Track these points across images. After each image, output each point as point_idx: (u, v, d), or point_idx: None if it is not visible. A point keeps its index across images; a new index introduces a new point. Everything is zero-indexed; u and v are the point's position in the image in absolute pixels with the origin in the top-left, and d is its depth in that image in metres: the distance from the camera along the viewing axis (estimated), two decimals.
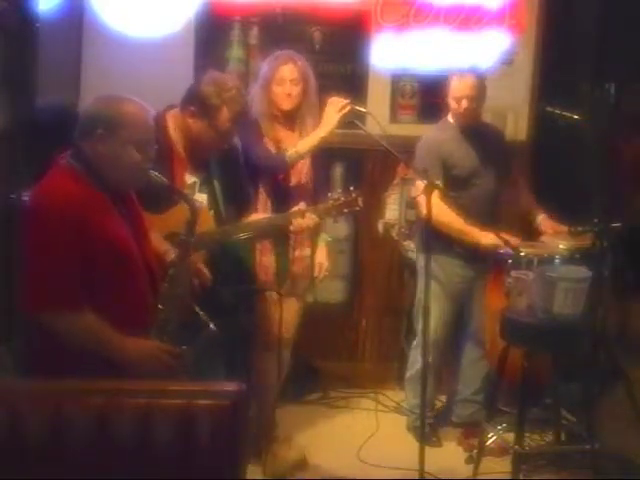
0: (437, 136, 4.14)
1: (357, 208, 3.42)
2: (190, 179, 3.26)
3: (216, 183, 3.34)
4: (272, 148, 3.76)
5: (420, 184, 3.79)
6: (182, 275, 2.75)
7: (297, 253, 3.84)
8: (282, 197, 3.77)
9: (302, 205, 3.45)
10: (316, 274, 3.92)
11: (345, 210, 3.42)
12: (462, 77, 4.03)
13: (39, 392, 2.26)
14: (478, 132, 4.14)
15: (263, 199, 3.76)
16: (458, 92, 4.02)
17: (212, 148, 3.29)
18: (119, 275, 2.58)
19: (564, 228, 4.01)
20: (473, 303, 4.20)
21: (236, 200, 3.41)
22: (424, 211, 3.60)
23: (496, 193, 4.16)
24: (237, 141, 3.55)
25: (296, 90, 3.73)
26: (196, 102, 3.22)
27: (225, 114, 3.21)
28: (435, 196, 3.62)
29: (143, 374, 2.54)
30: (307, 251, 3.87)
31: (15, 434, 2.17)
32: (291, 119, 3.80)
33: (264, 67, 3.81)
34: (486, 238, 3.91)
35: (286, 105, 3.75)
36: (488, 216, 4.07)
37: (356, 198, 3.40)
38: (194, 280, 2.92)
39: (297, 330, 3.98)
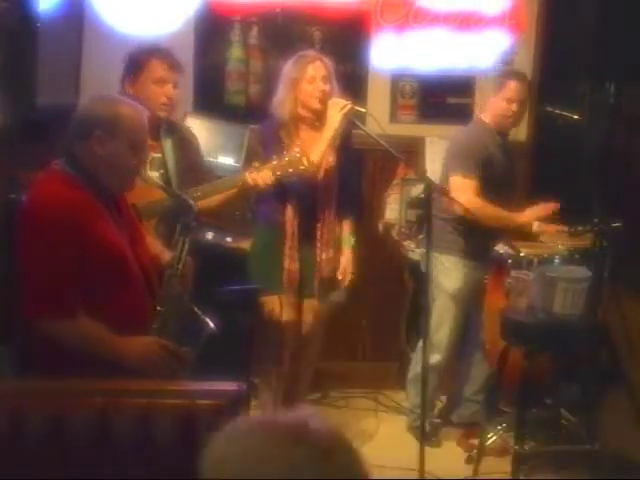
0: (477, 134, 4.13)
1: (301, 167, 3.42)
2: None
3: (170, 163, 3.36)
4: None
5: (457, 180, 3.92)
6: (179, 276, 2.74)
7: (324, 256, 3.84)
8: (308, 203, 3.78)
9: (255, 163, 3.47)
10: (340, 277, 3.92)
11: (290, 170, 3.42)
12: (521, 80, 4.07)
13: (39, 392, 2.26)
14: (505, 137, 4.19)
15: (290, 212, 3.77)
16: (514, 94, 4.03)
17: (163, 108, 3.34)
18: (114, 279, 2.58)
19: (561, 227, 4.03)
20: (476, 303, 4.21)
21: (190, 178, 3.39)
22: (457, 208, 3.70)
23: (513, 197, 4.20)
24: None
25: (326, 88, 3.71)
26: (132, 69, 3.34)
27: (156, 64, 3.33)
28: (468, 191, 3.73)
29: (143, 372, 2.54)
30: (331, 252, 3.88)
31: (15, 434, 2.17)
32: (318, 119, 3.77)
33: (288, 68, 3.77)
34: (522, 217, 3.97)
35: (317, 103, 3.71)
36: None
37: (301, 158, 3.42)
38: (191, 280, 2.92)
39: (321, 332, 4.01)
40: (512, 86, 4.04)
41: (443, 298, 4.17)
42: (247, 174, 3.40)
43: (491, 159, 4.07)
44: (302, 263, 3.81)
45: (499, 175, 4.10)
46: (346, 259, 3.92)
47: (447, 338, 4.18)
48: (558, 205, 4.03)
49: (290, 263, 3.78)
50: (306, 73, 3.71)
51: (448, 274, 4.14)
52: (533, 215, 4.03)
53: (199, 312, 2.82)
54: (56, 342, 2.50)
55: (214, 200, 3.37)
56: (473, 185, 3.96)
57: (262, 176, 3.39)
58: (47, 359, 2.54)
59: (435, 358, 4.14)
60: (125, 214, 2.74)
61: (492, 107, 4.13)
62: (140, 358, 2.57)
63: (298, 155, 3.40)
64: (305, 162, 3.42)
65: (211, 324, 2.80)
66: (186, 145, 3.51)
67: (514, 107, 4.04)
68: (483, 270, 4.11)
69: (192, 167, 3.48)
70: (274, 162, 3.41)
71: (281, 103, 3.75)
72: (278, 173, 3.41)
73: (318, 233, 3.82)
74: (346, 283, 3.94)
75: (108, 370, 2.46)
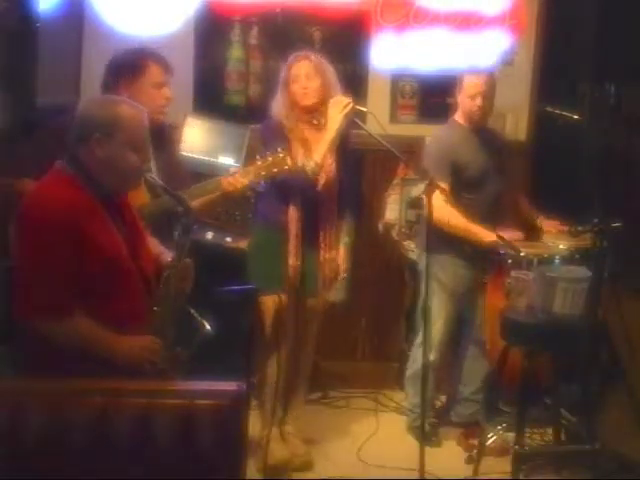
0: (448, 137, 4.15)
1: (285, 167, 3.42)
2: None
3: (152, 163, 3.36)
4: (300, 152, 3.73)
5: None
6: (178, 277, 2.74)
7: (327, 256, 3.87)
8: (310, 204, 3.79)
9: (234, 168, 3.46)
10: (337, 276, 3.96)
11: (274, 170, 3.41)
12: (477, 75, 4.10)
13: (39, 392, 2.26)
14: (484, 133, 4.18)
15: (293, 212, 3.78)
16: (474, 89, 4.05)
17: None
18: (111, 278, 2.58)
19: (562, 226, 4.04)
20: (474, 303, 4.21)
21: (173, 179, 3.39)
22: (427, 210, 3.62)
23: (501, 193, 4.20)
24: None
25: (312, 85, 3.73)
26: (128, 72, 3.30)
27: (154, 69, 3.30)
28: (437, 197, 3.63)
29: (134, 370, 2.55)
30: (334, 253, 3.90)
31: (15, 434, 2.17)
32: (314, 117, 3.79)
33: (282, 70, 3.83)
34: (489, 237, 3.93)
35: (304, 101, 3.74)
36: (495, 216, 4.10)
37: (284, 157, 3.41)
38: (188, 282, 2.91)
39: (318, 330, 4.04)
40: (470, 82, 4.08)
41: (437, 297, 4.16)
42: (222, 178, 3.41)
43: (465, 160, 4.07)
44: (304, 262, 3.82)
45: (480, 174, 4.09)
46: (341, 257, 3.94)
47: (439, 336, 4.18)
48: (521, 235, 4.02)
49: (294, 261, 3.80)
50: (291, 72, 3.76)
51: (442, 273, 4.13)
52: (500, 239, 3.88)
53: (195, 314, 2.82)
54: (52, 341, 2.51)
55: (198, 202, 3.37)
56: (439, 188, 3.93)
57: (238, 179, 3.38)
58: (43, 357, 2.54)
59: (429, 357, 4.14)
60: (127, 215, 2.75)
61: (460, 107, 4.16)
62: (132, 356, 2.57)
63: (281, 155, 3.41)
64: (289, 161, 3.42)
65: (207, 326, 2.80)
66: (167, 147, 3.51)
67: (478, 101, 4.06)
68: (478, 270, 4.11)
69: (172, 167, 3.47)
70: (258, 162, 3.42)
71: (277, 105, 3.80)
72: (263, 173, 3.41)
73: (321, 234, 3.84)
74: (340, 279, 3.96)
75: (101, 367, 2.47)
